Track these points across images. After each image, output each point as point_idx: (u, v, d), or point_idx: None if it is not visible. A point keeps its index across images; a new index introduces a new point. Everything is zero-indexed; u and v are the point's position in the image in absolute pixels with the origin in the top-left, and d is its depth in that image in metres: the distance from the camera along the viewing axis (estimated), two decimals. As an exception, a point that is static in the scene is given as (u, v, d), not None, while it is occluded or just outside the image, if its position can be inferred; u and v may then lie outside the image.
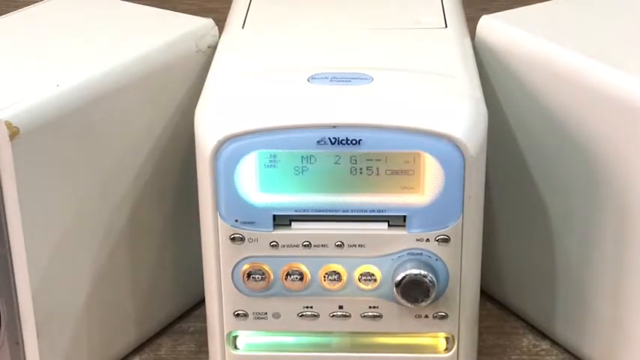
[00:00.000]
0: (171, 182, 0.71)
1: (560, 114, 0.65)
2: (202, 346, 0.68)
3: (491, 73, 0.69)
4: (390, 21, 0.72)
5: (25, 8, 0.76)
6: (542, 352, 0.72)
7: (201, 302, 0.72)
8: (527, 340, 0.74)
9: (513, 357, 0.72)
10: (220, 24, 0.72)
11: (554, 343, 0.73)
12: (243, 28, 0.69)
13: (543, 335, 0.74)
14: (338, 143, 0.56)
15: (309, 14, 0.73)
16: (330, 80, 0.59)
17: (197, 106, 0.59)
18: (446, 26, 0.69)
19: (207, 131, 0.57)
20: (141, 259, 0.71)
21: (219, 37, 0.70)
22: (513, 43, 0.68)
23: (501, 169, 0.72)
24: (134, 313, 0.73)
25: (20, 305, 0.63)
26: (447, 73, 0.62)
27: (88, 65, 0.64)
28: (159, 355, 0.73)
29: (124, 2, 0.77)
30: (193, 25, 0.71)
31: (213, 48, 0.69)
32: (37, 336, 0.63)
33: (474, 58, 0.66)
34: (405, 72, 0.61)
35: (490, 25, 0.71)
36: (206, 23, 0.71)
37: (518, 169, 0.71)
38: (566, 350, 0.71)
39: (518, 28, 0.69)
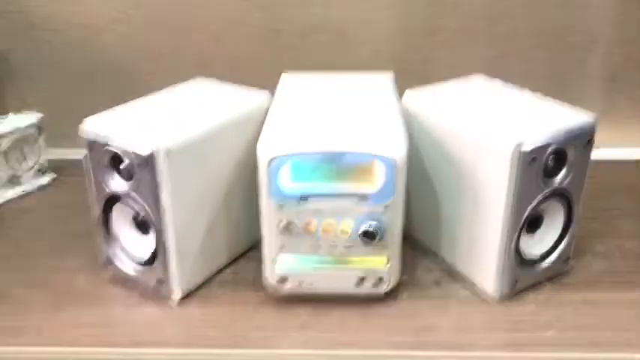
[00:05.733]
0: (246, 177, 0.76)
1: (445, 146, 0.73)
2: (260, 265, 0.73)
3: (410, 122, 0.76)
4: (358, 92, 0.78)
5: (168, 88, 0.82)
6: (434, 265, 0.79)
7: (257, 245, 0.76)
8: (428, 260, 0.80)
9: (419, 269, 0.78)
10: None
11: (442, 262, 0.79)
12: (284, 94, 0.79)
13: (435, 255, 0.80)
14: (331, 159, 0.65)
15: (317, 90, 0.79)
16: (327, 124, 0.68)
17: (258, 140, 0.67)
18: (387, 96, 0.78)
19: (263, 154, 0.66)
20: (230, 218, 0.77)
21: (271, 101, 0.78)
22: (420, 108, 0.76)
23: (415, 174, 0.76)
24: (225, 247, 0.78)
25: (169, 243, 0.70)
26: (386, 118, 0.70)
27: (204, 120, 0.72)
28: (237, 269, 0.80)
29: (221, 83, 0.84)
30: (258, 96, 0.79)
31: (267, 109, 0.76)
32: (176, 255, 0.70)
33: (400, 112, 0.73)
34: (364, 119, 0.69)
35: (410, 96, 0.78)
36: (265, 94, 0.79)
37: (424, 175, 0.77)
38: (447, 265, 0.78)
39: (423, 100, 0.76)
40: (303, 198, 0.66)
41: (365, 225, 0.67)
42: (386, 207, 0.66)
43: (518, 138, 0.66)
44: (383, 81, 0.84)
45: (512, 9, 1.04)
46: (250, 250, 0.82)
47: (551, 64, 1.08)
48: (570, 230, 0.75)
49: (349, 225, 0.68)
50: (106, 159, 0.71)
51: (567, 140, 0.69)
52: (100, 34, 1.08)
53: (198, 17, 1.07)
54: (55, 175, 1.05)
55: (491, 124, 0.69)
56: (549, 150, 0.68)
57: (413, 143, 0.73)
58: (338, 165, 0.66)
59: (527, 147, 0.66)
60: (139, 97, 1.11)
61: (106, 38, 1.08)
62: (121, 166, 0.70)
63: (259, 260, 0.73)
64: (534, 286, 0.75)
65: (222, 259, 0.79)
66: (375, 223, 0.67)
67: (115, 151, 0.69)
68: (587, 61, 1.07)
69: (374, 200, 0.66)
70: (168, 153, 0.66)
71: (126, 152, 0.68)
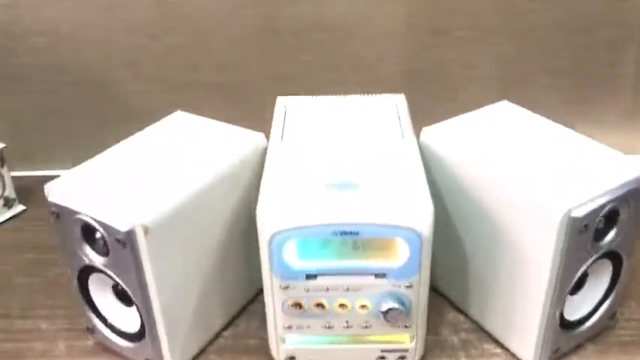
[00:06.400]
0: (242, 226, 0.68)
1: (473, 196, 0.64)
2: (262, 324, 0.65)
3: (429, 161, 0.68)
4: (369, 133, 0.67)
5: (143, 132, 0.70)
6: (461, 323, 0.71)
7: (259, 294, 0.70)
8: (452, 314, 0.73)
9: (444, 327, 0.71)
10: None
11: (468, 317, 0.72)
12: (282, 140, 0.67)
13: (461, 312, 0.73)
14: (344, 234, 0.56)
15: (320, 130, 0.68)
16: (338, 187, 0.58)
17: (258, 206, 0.57)
18: (403, 137, 0.67)
19: (265, 226, 0.57)
20: (225, 276, 0.69)
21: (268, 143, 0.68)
22: (441, 148, 0.67)
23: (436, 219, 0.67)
24: (222, 308, 0.71)
25: (156, 319, 0.62)
26: (407, 176, 0.60)
27: (190, 180, 0.62)
28: (237, 330, 0.72)
29: (206, 121, 0.72)
30: (252, 138, 0.69)
31: (264, 151, 0.67)
32: (166, 333, 0.63)
33: (421, 160, 0.63)
34: (381, 180, 0.59)
35: (428, 134, 0.69)
36: (259, 137, 0.69)
37: (446, 221, 0.69)
38: (475, 322, 0.71)
39: (444, 139, 0.67)
40: (312, 276, 0.58)
41: (386, 305, 0.58)
42: (410, 285, 0.58)
43: (569, 202, 0.55)
44: (394, 108, 0.72)
45: (533, 2, 0.92)
46: (252, 302, 0.74)
47: (577, 63, 0.95)
48: (617, 286, 0.65)
49: (367, 304, 0.59)
50: (77, 230, 0.60)
51: (621, 199, 0.58)
52: (69, 40, 0.94)
53: (180, 18, 0.93)
54: (24, 207, 0.93)
55: (533, 180, 0.59)
56: (602, 213, 0.57)
57: (432, 184, 0.64)
58: (352, 240, 0.57)
59: (579, 213, 0.55)
60: (116, 109, 1.00)
61: (76, 45, 0.95)
62: (96, 237, 0.60)
63: (261, 316, 0.65)
64: (576, 348, 0.66)
65: (220, 322, 0.71)
66: (398, 302, 0.58)
67: (87, 223, 0.59)
68: (619, 60, 0.95)
69: (396, 278, 0.57)
70: (149, 231, 0.57)
71: (99, 228, 0.58)
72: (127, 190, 0.60)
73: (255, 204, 0.58)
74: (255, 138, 0.69)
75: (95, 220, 0.58)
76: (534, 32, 0.94)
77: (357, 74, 0.97)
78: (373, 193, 0.57)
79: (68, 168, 1.04)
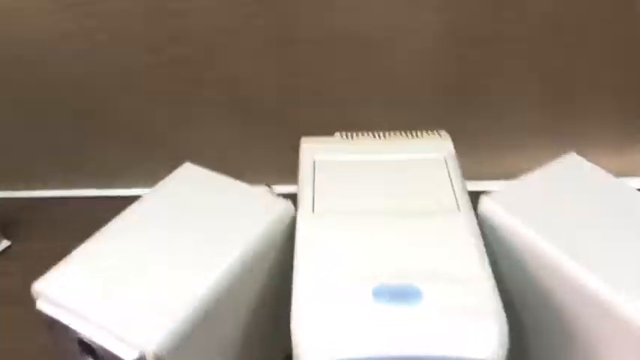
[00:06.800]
0: (264, 317, 0.59)
1: (541, 280, 0.55)
2: None
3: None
4: (418, 203, 0.56)
5: (145, 200, 0.58)
6: None
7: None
8: None
9: None
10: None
11: None
12: (313, 212, 0.56)
13: None
14: None
15: (358, 198, 0.57)
16: (391, 298, 0.47)
17: (292, 325, 0.47)
18: (459, 210, 0.55)
19: (304, 357, 0.46)
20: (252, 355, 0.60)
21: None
22: (506, 226, 0.56)
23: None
24: None
25: None
26: (472, 277, 0.49)
27: (208, 279, 0.50)
28: None
29: (222, 179, 0.60)
30: (277, 208, 0.57)
31: (292, 222, 0.56)
32: None
33: (484, 248, 0.52)
34: (441, 286, 0.48)
35: (488, 205, 0.58)
36: (285, 205, 0.58)
37: (504, 295, 0.56)
38: None
39: (507, 211, 0.56)
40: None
41: None
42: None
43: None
44: (443, 162, 0.61)
45: (590, 15, 0.79)
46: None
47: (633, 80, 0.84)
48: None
49: None
50: (74, 344, 0.50)
51: None
52: (50, 52, 0.81)
53: (180, 27, 0.80)
54: (8, 243, 0.82)
55: (622, 284, 0.48)
56: None
57: (490, 258, 0.53)
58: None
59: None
60: (107, 125, 0.89)
61: (63, 56, 0.82)
62: (96, 353, 0.50)
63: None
64: None
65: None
66: None
67: (85, 342, 0.48)
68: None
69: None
70: (161, 359, 0.46)
71: (101, 352, 0.47)
72: (132, 294, 0.49)
73: (283, 277, 0.49)
74: (280, 206, 0.57)
75: (95, 343, 0.47)
76: (586, 44, 0.82)
77: (386, 91, 0.84)
78: (434, 309, 0.47)
79: (53, 188, 0.94)
